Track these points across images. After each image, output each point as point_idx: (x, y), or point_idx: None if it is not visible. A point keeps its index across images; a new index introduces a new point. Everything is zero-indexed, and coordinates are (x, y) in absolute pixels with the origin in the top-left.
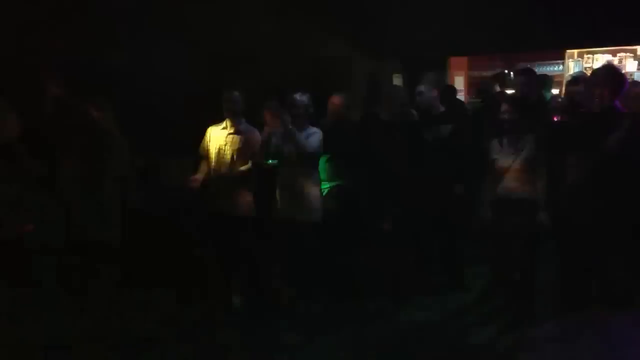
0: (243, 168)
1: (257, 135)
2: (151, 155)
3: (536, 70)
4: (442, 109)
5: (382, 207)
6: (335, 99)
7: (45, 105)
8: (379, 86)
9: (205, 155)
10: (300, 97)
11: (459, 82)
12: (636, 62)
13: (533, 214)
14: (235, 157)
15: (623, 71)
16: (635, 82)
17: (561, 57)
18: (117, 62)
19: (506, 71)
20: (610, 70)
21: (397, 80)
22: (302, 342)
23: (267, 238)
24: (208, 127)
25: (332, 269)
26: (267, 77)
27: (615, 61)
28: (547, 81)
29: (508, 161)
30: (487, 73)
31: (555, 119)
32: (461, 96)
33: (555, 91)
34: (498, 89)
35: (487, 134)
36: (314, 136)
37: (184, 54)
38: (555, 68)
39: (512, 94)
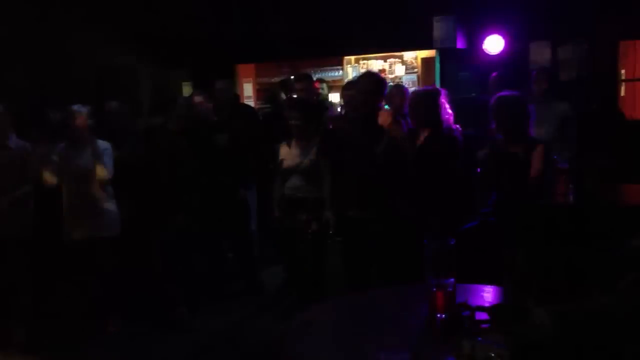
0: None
1: (30, 151)
2: None
3: (319, 75)
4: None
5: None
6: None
7: None
8: (166, 95)
9: None
10: (79, 108)
11: (248, 89)
12: (404, 67)
13: (318, 212)
14: (7, 176)
15: (392, 75)
16: (398, 85)
17: (340, 63)
18: None
19: (292, 77)
20: (370, 77)
21: (187, 89)
22: None
23: (54, 260)
24: None
25: (128, 282)
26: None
27: (387, 66)
28: (324, 86)
29: (296, 162)
30: (275, 80)
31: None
32: (250, 102)
33: (336, 95)
34: (284, 95)
35: (276, 138)
36: (107, 153)
37: None
38: (336, 74)
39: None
